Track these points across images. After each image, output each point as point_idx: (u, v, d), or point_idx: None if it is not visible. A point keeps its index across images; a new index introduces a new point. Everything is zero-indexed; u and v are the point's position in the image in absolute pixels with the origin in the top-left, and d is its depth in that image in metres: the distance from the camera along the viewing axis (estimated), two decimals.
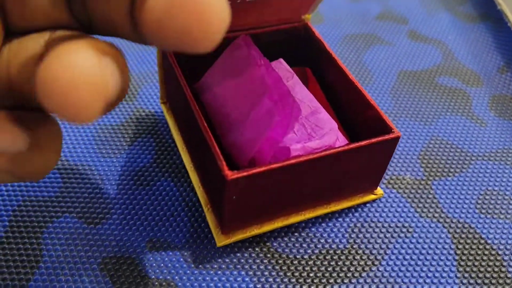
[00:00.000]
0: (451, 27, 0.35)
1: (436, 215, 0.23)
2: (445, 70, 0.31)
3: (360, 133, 0.23)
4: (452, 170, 0.25)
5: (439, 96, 0.29)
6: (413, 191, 0.24)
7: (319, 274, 0.21)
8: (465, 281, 0.21)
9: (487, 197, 0.24)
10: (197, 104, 0.24)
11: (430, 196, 0.24)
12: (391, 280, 0.21)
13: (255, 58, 0.22)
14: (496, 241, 0.22)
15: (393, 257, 0.22)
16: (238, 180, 0.18)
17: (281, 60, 0.25)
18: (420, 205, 0.24)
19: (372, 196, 0.23)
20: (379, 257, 0.21)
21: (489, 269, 0.21)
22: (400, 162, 0.25)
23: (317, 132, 0.21)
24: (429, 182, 0.25)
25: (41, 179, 0.14)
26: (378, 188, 0.24)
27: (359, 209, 0.23)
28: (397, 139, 0.20)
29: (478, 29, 0.34)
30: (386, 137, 0.20)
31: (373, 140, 0.20)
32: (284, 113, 0.20)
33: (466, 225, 0.23)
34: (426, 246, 0.22)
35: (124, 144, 0.25)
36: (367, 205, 0.23)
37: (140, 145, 0.25)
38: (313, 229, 0.22)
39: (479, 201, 0.24)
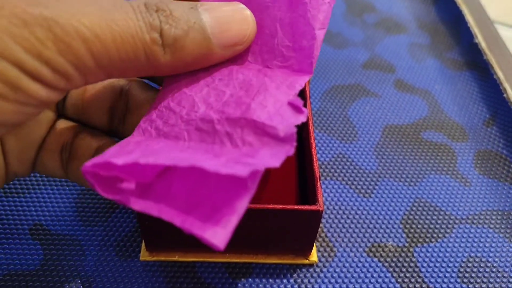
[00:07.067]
0: (437, 75, 0.35)
1: (418, 285, 0.23)
2: (431, 124, 0.31)
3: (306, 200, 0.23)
4: (434, 235, 0.25)
5: (424, 153, 0.29)
6: (394, 259, 0.24)
7: None
8: None
9: (469, 264, 0.24)
10: None
11: (412, 264, 0.24)
12: None
13: None
14: None
15: None
16: None
17: None
18: (402, 274, 0.24)
19: (305, 261, 0.23)
20: None
21: None
22: (383, 227, 0.25)
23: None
24: (411, 249, 0.25)
25: None
26: (313, 253, 0.23)
27: (340, 280, 0.23)
28: (317, 212, 0.20)
29: (464, 77, 0.34)
30: (305, 207, 0.20)
31: (288, 207, 0.20)
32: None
33: None
34: None
35: (106, 210, 0.25)
36: (347, 275, 0.23)
37: (122, 212, 0.25)
38: None
39: (461, 269, 0.24)
